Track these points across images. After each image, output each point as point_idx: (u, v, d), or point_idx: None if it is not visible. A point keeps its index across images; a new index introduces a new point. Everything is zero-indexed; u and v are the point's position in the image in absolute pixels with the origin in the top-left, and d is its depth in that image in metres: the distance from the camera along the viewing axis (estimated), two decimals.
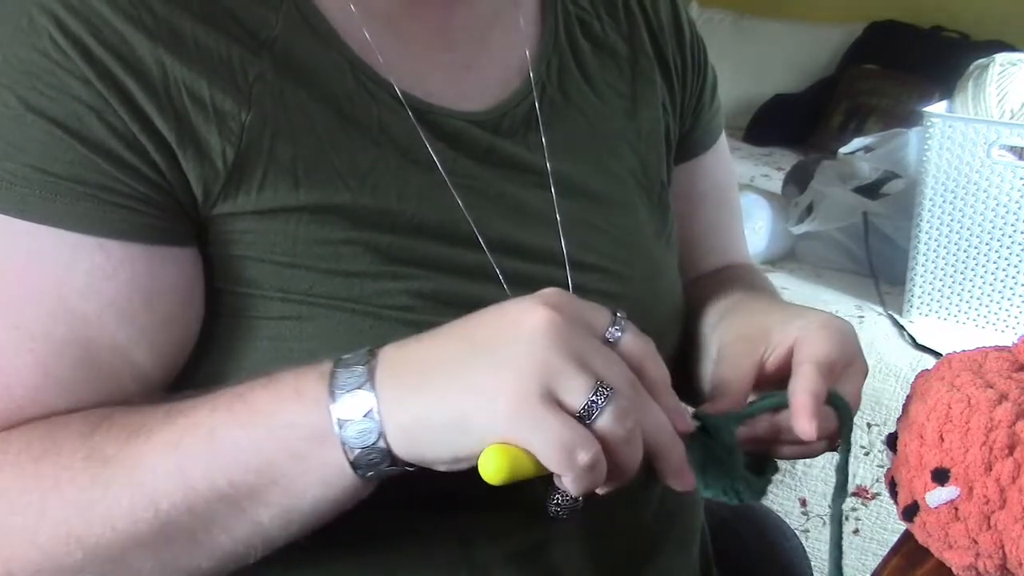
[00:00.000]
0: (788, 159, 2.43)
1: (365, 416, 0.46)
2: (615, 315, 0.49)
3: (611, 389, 0.45)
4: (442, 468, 0.47)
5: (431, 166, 0.58)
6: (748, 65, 2.85)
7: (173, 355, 0.54)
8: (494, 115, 0.62)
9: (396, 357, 0.48)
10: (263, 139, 0.53)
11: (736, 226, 0.85)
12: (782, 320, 0.60)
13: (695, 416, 0.54)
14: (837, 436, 0.58)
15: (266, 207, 0.53)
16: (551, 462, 0.44)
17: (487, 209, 0.60)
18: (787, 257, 1.82)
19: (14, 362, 0.51)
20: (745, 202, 1.70)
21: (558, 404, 0.44)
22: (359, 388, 0.46)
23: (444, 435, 0.45)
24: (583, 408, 0.44)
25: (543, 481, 0.46)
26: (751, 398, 0.58)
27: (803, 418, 0.53)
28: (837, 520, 0.57)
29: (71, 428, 0.50)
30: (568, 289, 0.62)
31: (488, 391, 0.44)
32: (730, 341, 0.62)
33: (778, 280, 1.70)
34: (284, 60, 0.55)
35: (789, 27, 2.99)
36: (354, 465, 0.47)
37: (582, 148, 0.66)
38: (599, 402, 0.44)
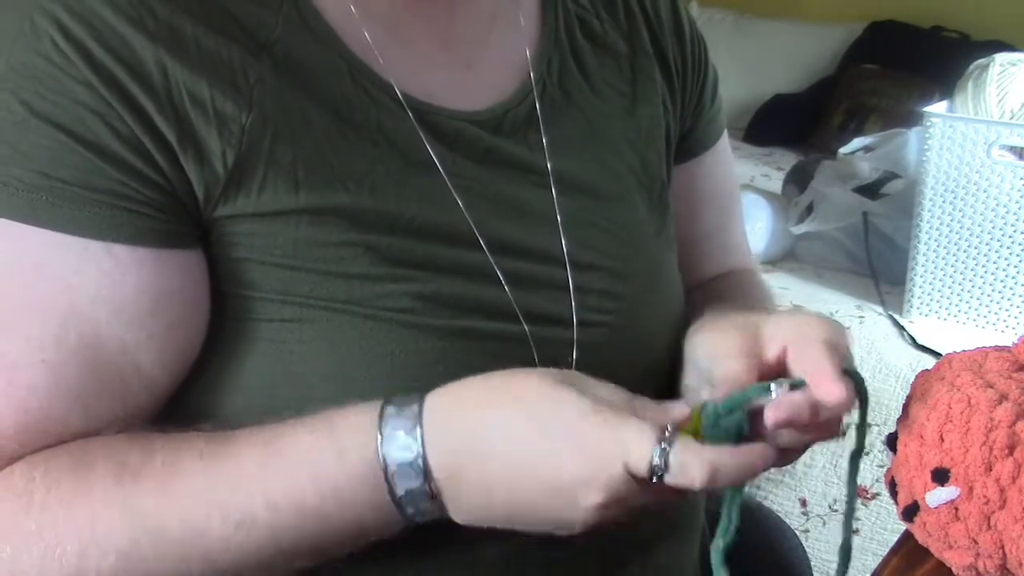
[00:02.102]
0: (788, 159, 2.43)
1: (424, 518, 0.51)
2: (661, 439, 0.47)
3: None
4: None
5: (431, 167, 0.58)
6: (748, 65, 2.85)
7: (180, 359, 0.54)
8: (494, 115, 0.62)
9: (452, 487, 0.50)
10: (263, 141, 0.53)
11: (738, 228, 0.84)
12: (773, 317, 0.58)
13: (705, 406, 0.52)
14: (840, 421, 0.56)
15: (266, 209, 0.53)
16: None
17: (487, 209, 0.60)
18: (787, 257, 1.82)
19: (28, 375, 0.51)
20: (745, 202, 1.69)
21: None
22: (423, 514, 0.51)
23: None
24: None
25: None
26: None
27: (829, 382, 0.50)
28: (853, 481, 0.56)
29: (96, 471, 0.50)
30: (569, 289, 0.62)
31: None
32: (719, 338, 0.59)
33: (778, 280, 1.70)
34: (284, 62, 0.55)
35: (789, 27, 2.99)
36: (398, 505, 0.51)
37: (582, 147, 0.66)
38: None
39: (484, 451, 0.49)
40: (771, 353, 0.55)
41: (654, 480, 0.47)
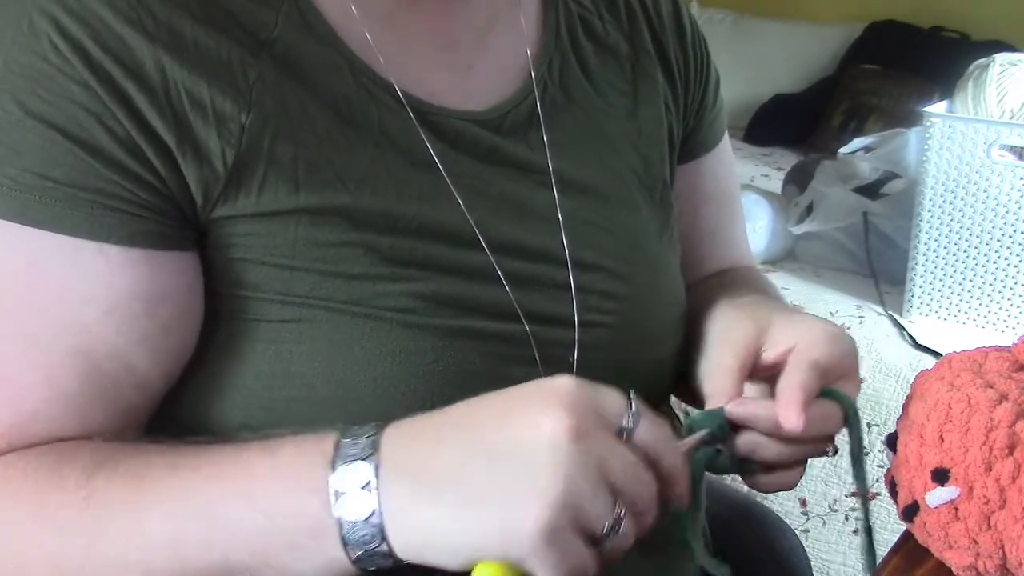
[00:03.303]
0: (788, 159, 2.43)
1: (367, 520, 0.44)
2: (629, 400, 0.48)
3: (624, 512, 0.45)
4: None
5: (432, 167, 0.58)
6: (748, 65, 2.85)
7: (173, 361, 0.54)
8: (496, 115, 0.62)
9: (402, 455, 0.46)
10: (263, 141, 0.53)
11: (739, 228, 0.84)
12: (786, 319, 0.60)
13: (688, 419, 0.54)
14: (831, 441, 0.57)
15: (266, 209, 0.53)
16: None
17: (488, 209, 0.60)
18: (787, 257, 1.82)
19: (22, 376, 0.51)
20: (745, 202, 1.69)
21: (580, 530, 0.44)
22: (363, 488, 0.45)
23: (453, 551, 0.44)
24: (602, 533, 0.44)
25: None
26: (748, 388, 0.58)
27: (790, 408, 0.52)
28: (867, 529, 0.56)
29: (76, 464, 0.50)
30: (570, 289, 0.62)
31: (506, 519, 0.43)
32: (727, 328, 0.62)
33: (778, 280, 1.69)
34: (284, 61, 0.55)
35: (789, 27, 2.99)
36: (354, 561, 0.45)
37: (584, 147, 0.66)
38: (617, 528, 0.45)
39: (418, 439, 0.46)
40: (771, 356, 0.58)
41: (627, 424, 0.46)
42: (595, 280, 0.63)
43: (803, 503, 1.50)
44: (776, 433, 0.54)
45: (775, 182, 2.18)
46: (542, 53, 0.66)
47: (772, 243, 1.77)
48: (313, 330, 0.54)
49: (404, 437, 0.47)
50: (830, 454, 0.58)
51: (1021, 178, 1.40)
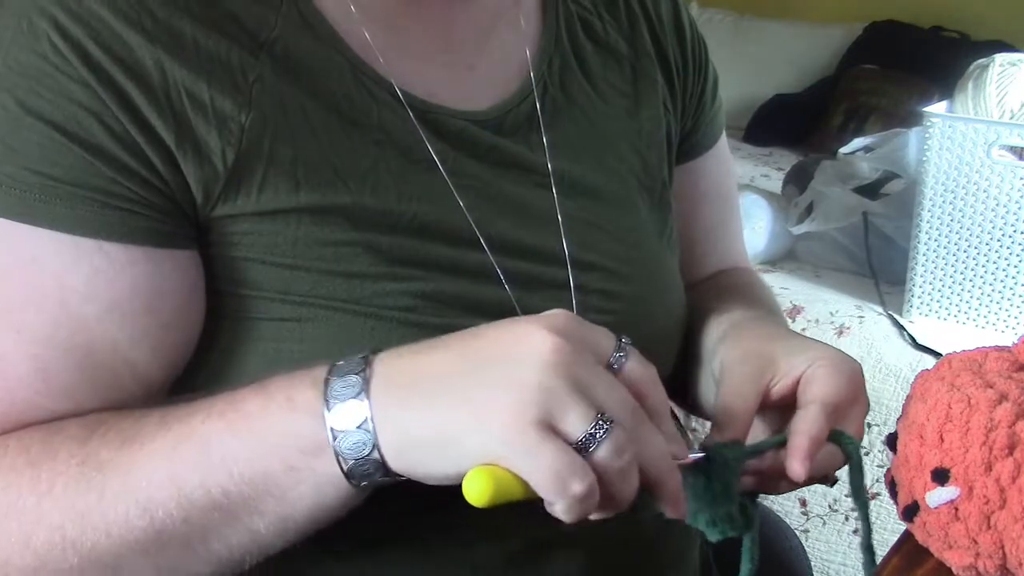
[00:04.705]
0: (788, 159, 2.43)
1: (359, 427, 0.45)
2: (620, 340, 0.48)
3: (611, 422, 0.43)
4: (432, 483, 0.46)
5: (432, 166, 0.58)
6: (748, 65, 2.85)
7: (174, 358, 0.55)
8: (495, 114, 0.62)
9: (392, 366, 0.47)
10: (263, 140, 0.53)
11: (736, 228, 0.85)
12: (789, 350, 0.59)
13: (702, 447, 0.53)
14: (831, 473, 0.57)
15: (266, 208, 0.53)
16: (543, 490, 0.43)
17: (488, 209, 0.60)
18: (787, 257, 1.82)
19: (16, 368, 0.51)
20: (745, 202, 1.70)
21: (555, 431, 0.43)
22: (353, 398, 0.45)
23: (435, 452, 0.44)
24: (581, 439, 0.43)
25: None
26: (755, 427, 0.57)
27: (796, 460, 0.52)
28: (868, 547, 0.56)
29: (67, 433, 0.50)
30: (569, 289, 0.62)
31: (482, 411, 0.43)
32: (733, 362, 0.60)
33: (778, 280, 1.70)
34: (284, 61, 0.55)
35: (789, 27, 2.99)
36: (348, 475, 0.46)
37: (583, 147, 0.66)
38: (598, 435, 0.43)
39: (408, 353, 0.47)
40: (778, 394, 0.57)
41: (615, 356, 0.47)
42: (594, 280, 0.63)
43: (803, 503, 1.50)
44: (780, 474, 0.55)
45: (775, 182, 2.18)
46: (542, 53, 0.66)
47: (772, 243, 1.77)
48: (314, 329, 0.54)
49: (396, 353, 0.47)
50: (829, 484, 0.59)
51: (1021, 178, 1.39)
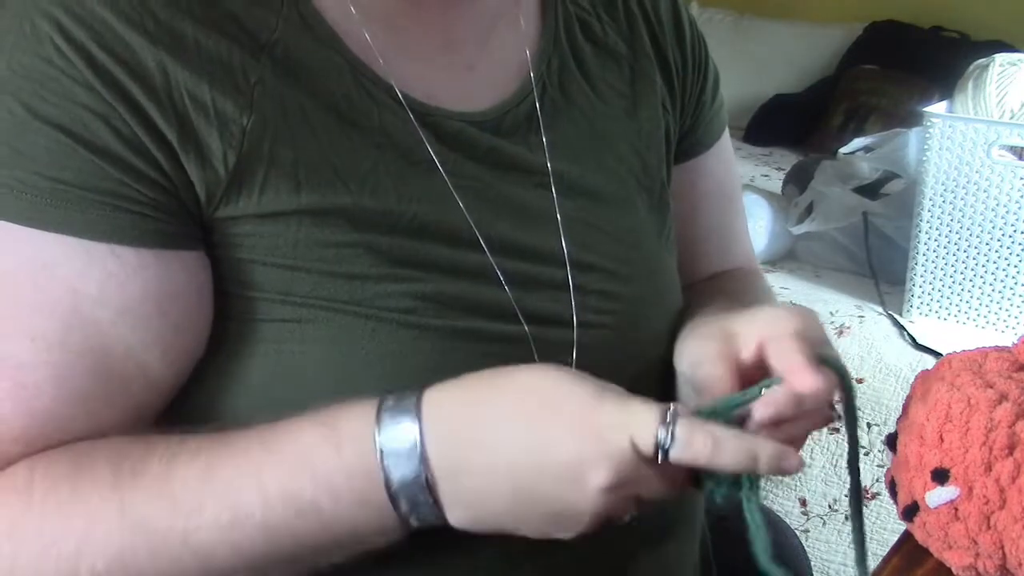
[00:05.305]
0: (788, 159, 2.43)
1: (420, 520, 0.51)
2: (664, 416, 0.48)
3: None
4: None
5: (432, 167, 0.58)
6: (748, 65, 2.85)
7: (184, 360, 0.55)
8: (495, 115, 0.62)
9: (451, 478, 0.50)
10: (264, 142, 0.53)
11: (739, 227, 0.84)
12: (746, 317, 0.59)
13: (695, 412, 0.53)
14: (832, 407, 0.56)
15: (267, 210, 0.53)
16: None
17: (488, 210, 0.60)
18: (787, 257, 1.82)
19: (33, 376, 0.51)
20: (745, 202, 1.69)
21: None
22: (419, 510, 0.50)
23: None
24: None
25: None
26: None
27: (804, 375, 0.52)
28: (857, 505, 0.56)
29: (96, 472, 0.50)
30: (569, 289, 0.62)
31: (547, 533, 0.51)
32: (698, 347, 0.60)
33: (778, 280, 1.70)
34: (284, 62, 0.55)
35: (789, 27, 2.99)
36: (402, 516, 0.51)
37: (583, 148, 0.66)
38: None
39: (486, 439, 0.49)
40: (747, 353, 0.56)
41: (660, 456, 0.47)
42: (594, 281, 0.63)
43: (803, 503, 1.50)
44: (790, 415, 0.53)
45: (775, 182, 2.18)
46: (541, 54, 0.66)
47: (772, 243, 1.77)
48: (314, 330, 0.54)
49: (447, 475, 0.50)
50: (835, 418, 0.57)
51: (1021, 178, 1.40)
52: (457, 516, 0.50)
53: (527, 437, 0.49)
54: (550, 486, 0.48)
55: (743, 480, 0.51)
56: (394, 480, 0.49)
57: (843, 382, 0.55)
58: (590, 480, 0.47)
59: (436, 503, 0.50)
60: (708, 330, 0.60)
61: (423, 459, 0.49)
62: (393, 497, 0.49)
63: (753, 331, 0.57)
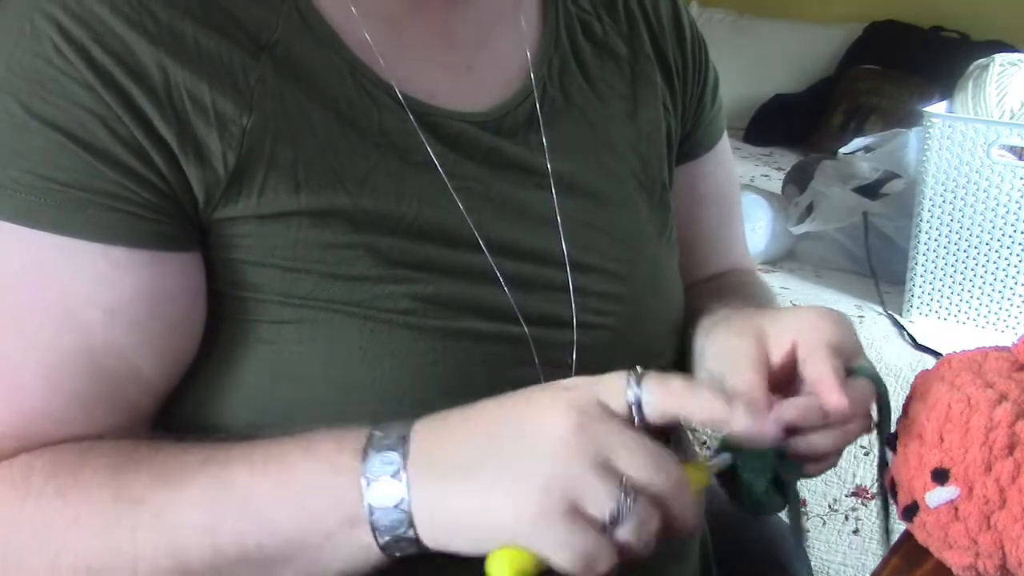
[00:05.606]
0: (788, 159, 2.43)
1: (396, 507, 0.47)
2: (630, 377, 0.48)
3: (634, 497, 0.45)
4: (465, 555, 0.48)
5: (432, 168, 0.58)
6: (748, 65, 2.85)
7: (177, 361, 0.55)
8: (495, 116, 0.62)
9: (428, 448, 0.48)
10: (264, 143, 0.53)
11: (737, 229, 0.85)
12: (773, 317, 0.59)
13: (723, 446, 0.53)
14: (869, 416, 0.56)
15: (267, 211, 0.53)
16: (569, 571, 0.45)
17: (488, 211, 0.60)
18: (787, 257, 1.82)
19: (22, 375, 0.51)
20: (745, 202, 1.69)
21: (582, 515, 0.45)
22: (392, 476, 0.47)
23: (467, 536, 0.47)
24: (608, 519, 0.45)
25: None
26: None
27: (831, 391, 0.52)
28: (884, 496, 0.56)
29: (97, 464, 0.50)
30: (569, 291, 0.62)
31: (511, 502, 0.45)
32: (727, 347, 0.59)
33: (778, 280, 1.70)
34: (285, 63, 0.55)
35: (789, 27, 2.99)
36: (382, 548, 0.48)
37: (583, 148, 0.66)
38: (623, 511, 0.45)
39: (442, 433, 0.49)
40: (777, 355, 0.56)
41: (636, 417, 0.47)
42: (594, 282, 0.63)
43: (803, 503, 1.50)
44: (821, 424, 0.53)
45: (775, 182, 2.18)
46: (542, 54, 0.66)
47: (772, 243, 1.77)
48: (313, 331, 0.54)
49: (431, 429, 0.49)
50: (872, 429, 0.58)
51: (1021, 178, 1.39)
52: (424, 482, 0.47)
53: (497, 410, 0.49)
54: (511, 435, 0.47)
55: (770, 458, 0.51)
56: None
57: (879, 396, 0.55)
58: (553, 424, 0.46)
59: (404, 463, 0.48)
60: (739, 325, 0.60)
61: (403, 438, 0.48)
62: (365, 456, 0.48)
63: (787, 334, 0.56)
